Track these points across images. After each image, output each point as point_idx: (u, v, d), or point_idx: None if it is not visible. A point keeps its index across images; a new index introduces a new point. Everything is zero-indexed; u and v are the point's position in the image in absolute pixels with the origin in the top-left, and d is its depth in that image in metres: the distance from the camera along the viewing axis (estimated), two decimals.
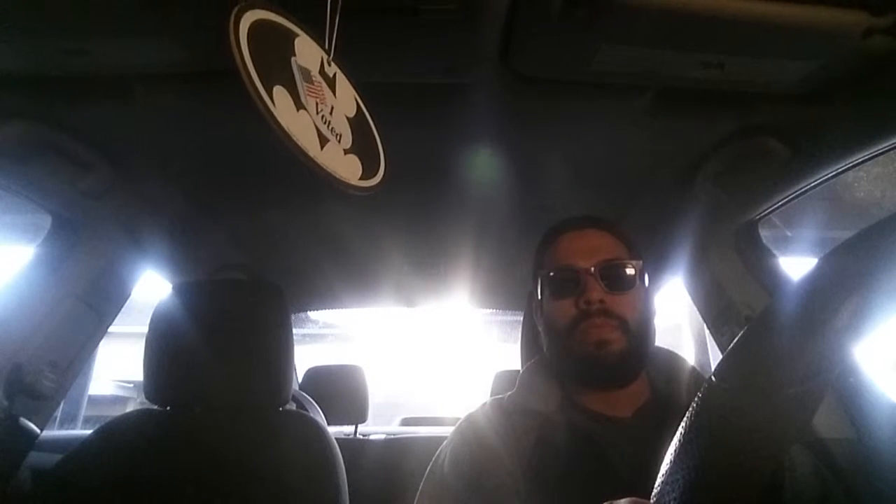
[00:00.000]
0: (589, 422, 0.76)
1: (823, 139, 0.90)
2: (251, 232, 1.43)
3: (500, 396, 0.85)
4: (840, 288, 0.27)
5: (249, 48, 0.49)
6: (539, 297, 0.84)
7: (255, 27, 0.51)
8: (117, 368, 4.35)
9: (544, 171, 1.08)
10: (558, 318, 0.78)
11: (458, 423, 0.82)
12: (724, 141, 0.96)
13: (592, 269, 0.76)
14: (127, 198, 1.13)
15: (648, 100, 0.86)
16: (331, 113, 0.59)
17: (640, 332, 0.77)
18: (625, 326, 0.75)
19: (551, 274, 0.81)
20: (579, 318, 0.76)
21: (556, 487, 0.67)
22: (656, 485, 0.30)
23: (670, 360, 0.85)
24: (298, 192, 1.16)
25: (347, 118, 0.62)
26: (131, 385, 6.49)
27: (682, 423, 0.30)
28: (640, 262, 0.80)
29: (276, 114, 0.50)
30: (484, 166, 1.06)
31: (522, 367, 0.96)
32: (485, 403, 0.84)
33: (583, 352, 0.75)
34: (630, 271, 0.78)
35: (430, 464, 0.78)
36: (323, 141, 0.56)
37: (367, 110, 0.66)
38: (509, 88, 0.83)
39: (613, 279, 0.77)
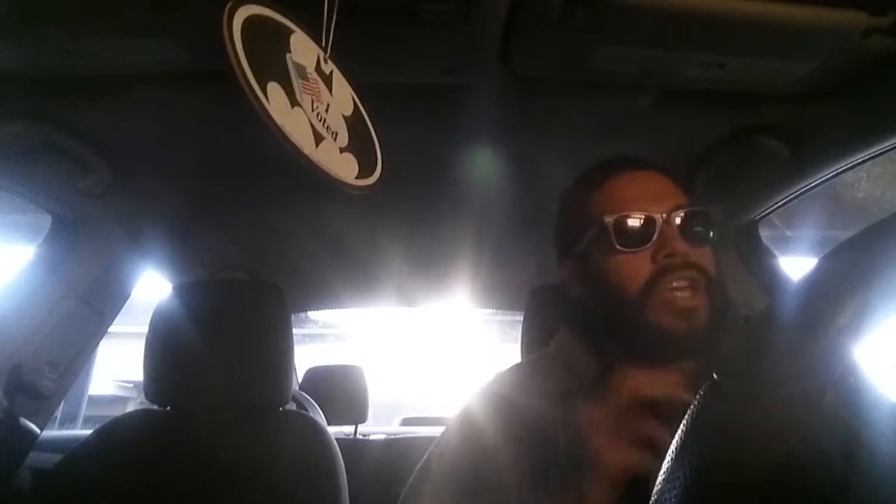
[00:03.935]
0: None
1: (823, 139, 0.90)
2: (251, 232, 1.43)
3: (499, 385, 0.75)
4: (840, 287, 0.28)
5: (243, 43, 0.49)
6: (587, 253, 0.69)
7: (250, 22, 0.51)
8: (117, 368, 4.35)
9: (544, 172, 1.08)
10: (629, 276, 0.63)
11: (457, 414, 0.74)
12: (724, 141, 0.96)
13: (669, 215, 0.63)
14: (127, 198, 1.13)
15: (648, 100, 0.86)
16: (326, 111, 0.58)
17: (721, 295, 0.64)
18: (710, 286, 0.62)
19: (616, 220, 0.64)
20: (659, 274, 0.62)
21: (558, 486, 0.66)
22: (657, 482, 0.30)
23: None
24: (298, 192, 1.16)
25: (344, 116, 0.61)
26: (131, 385, 6.49)
27: (684, 421, 0.30)
28: (720, 210, 0.67)
29: (269, 110, 0.50)
30: (484, 166, 1.06)
31: None
32: (484, 392, 0.75)
33: (665, 325, 0.61)
34: (709, 221, 0.65)
35: (428, 458, 0.72)
36: (318, 138, 0.56)
37: (364, 109, 0.65)
38: (509, 88, 0.83)
39: (692, 229, 0.64)
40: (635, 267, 0.64)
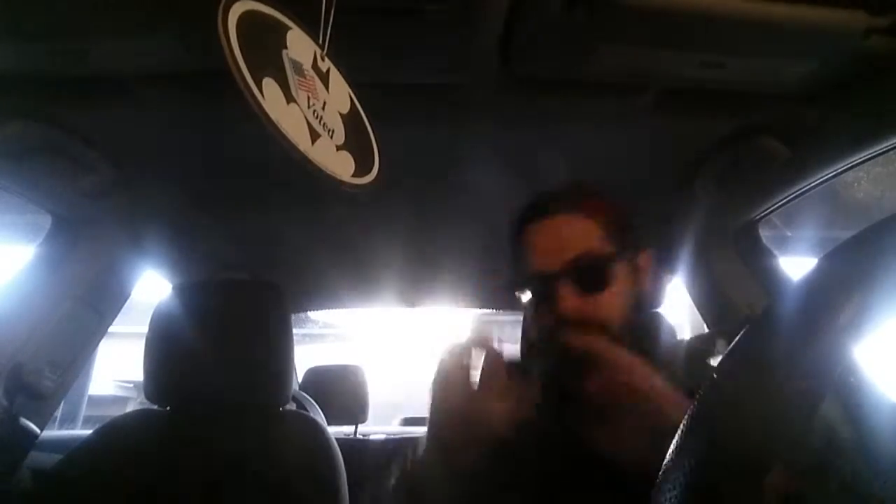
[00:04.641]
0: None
1: (823, 139, 0.90)
2: (251, 232, 1.43)
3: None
4: (841, 287, 0.27)
5: (238, 38, 0.49)
6: (519, 298, 0.76)
7: (246, 18, 0.51)
8: (117, 368, 4.35)
9: (544, 172, 1.08)
10: (534, 328, 0.71)
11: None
12: (724, 141, 0.96)
13: (561, 270, 0.66)
14: (127, 198, 1.13)
15: (648, 100, 0.86)
16: (323, 108, 0.58)
17: (626, 333, 0.67)
18: (608, 333, 0.64)
19: (520, 281, 0.73)
20: (555, 330, 0.66)
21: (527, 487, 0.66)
22: (656, 482, 0.30)
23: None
24: (298, 192, 1.16)
25: (340, 114, 0.61)
26: (131, 385, 6.49)
27: (684, 421, 0.30)
28: (620, 246, 0.69)
29: (264, 104, 0.49)
30: (483, 166, 1.06)
31: None
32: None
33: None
34: (607, 264, 0.67)
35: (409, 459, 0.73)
36: (314, 135, 0.55)
37: (362, 107, 0.65)
38: (509, 89, 0.83)
39: (588, 278, 0.67)
40: (540, 320, 0.70)
